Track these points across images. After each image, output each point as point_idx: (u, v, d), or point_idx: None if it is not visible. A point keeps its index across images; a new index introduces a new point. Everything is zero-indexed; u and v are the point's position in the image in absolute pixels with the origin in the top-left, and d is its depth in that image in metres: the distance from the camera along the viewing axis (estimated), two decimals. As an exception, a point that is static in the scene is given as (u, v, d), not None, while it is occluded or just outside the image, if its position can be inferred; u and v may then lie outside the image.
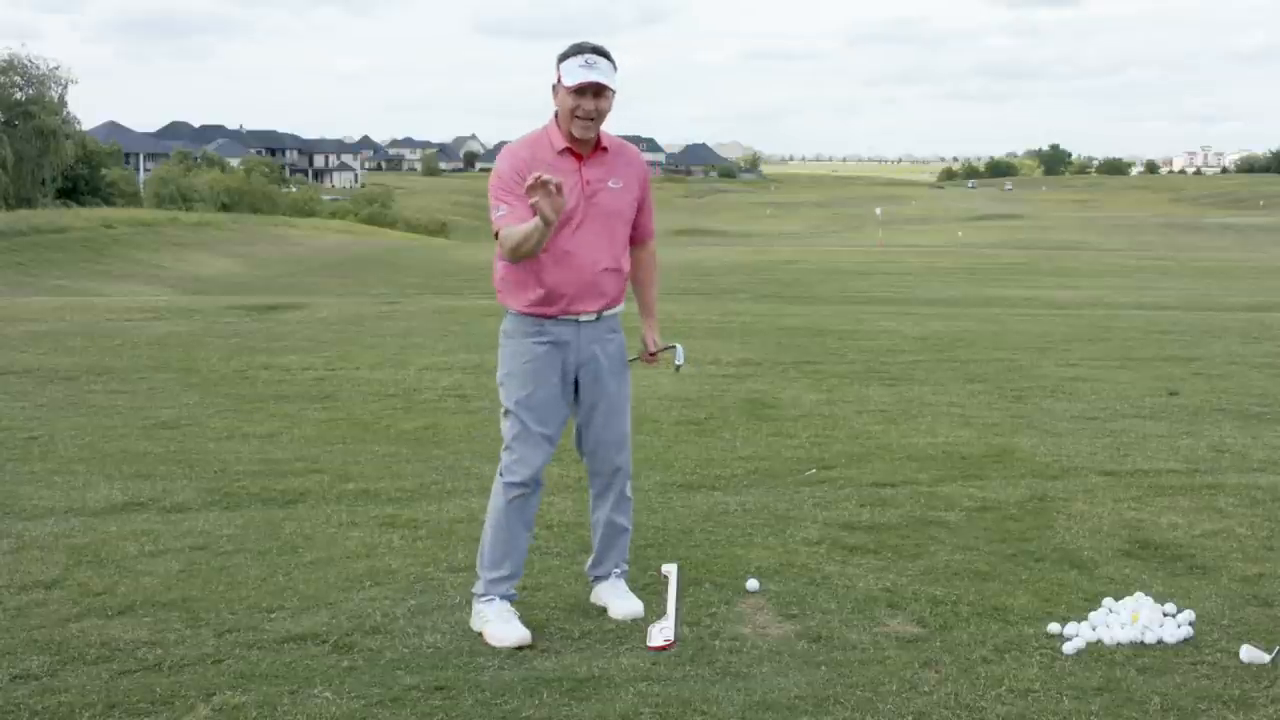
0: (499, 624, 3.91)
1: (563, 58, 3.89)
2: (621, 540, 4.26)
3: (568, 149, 3.93)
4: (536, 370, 3.98)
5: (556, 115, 3.95)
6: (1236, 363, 10.62)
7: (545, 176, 3.59)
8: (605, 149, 4.00)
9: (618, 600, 4.18)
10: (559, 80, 3.88)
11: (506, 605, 3.99)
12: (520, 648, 3.80)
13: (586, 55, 3.85)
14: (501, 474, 4.04)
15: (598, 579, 4.28)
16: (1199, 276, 31.99)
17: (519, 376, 3.99)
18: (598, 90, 3.84)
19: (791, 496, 5.71)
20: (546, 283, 3.92)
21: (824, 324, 14.10)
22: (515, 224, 3.80)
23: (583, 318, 3.99)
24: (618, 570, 4.27)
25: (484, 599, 4.00)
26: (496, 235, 3.89)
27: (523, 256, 3.84)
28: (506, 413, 4.02)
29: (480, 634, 3.91)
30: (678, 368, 4.38)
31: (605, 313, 4.04)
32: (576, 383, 4.06)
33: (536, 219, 3.67)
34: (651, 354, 4.32)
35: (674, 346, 4.35)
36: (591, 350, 4.04)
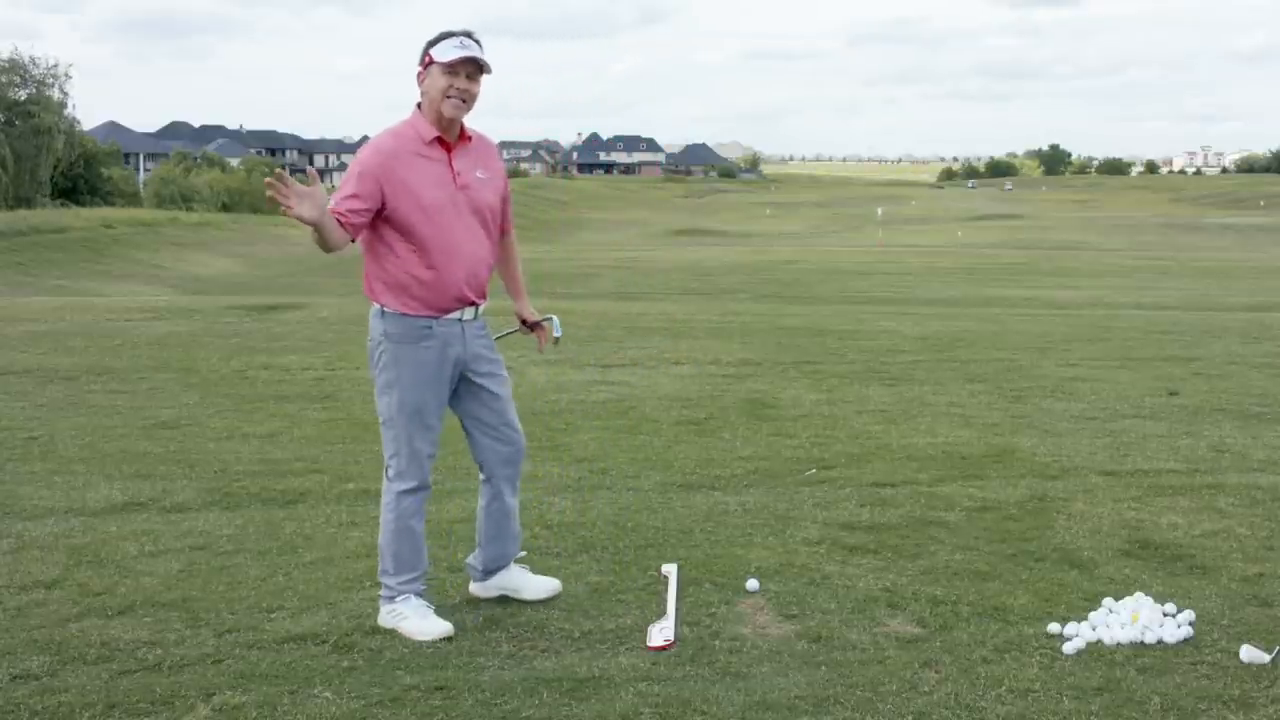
0: (418, 619, 3.94)
1: (433, 42, 3.86)
2: (516, 522, 4.30)
3: (437, 139, 3.90)
4: (428, 377, 3.93)
5: (420, 105, 3.92)
6: (1236, 363, 10.62)
7: (271, 177, 3.50)
8: (469, 138, 3.99)
9: (532, 581, 4.25)
10: (429, 62, 3.84)
11: (423, 601, 4.01)
12: (447, 639, 3.86)
13: (461, 38, 3.84)
14: (393, 481, 3.99)
15: (499, 569, 4.26)
16: (1199, 276, 32.00)
17: (409, 385, 3.92)
18: (471, 71, 3.84)
19: (791, 496, 5.71)
20: (429, 279, 3.87)
21: (824, 324, 14.10)
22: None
23: (465, 315, 3.98)
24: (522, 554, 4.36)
25: (399, 598, 3.99)
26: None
27: (330, 251, 3.78)
28: (391, 420, 3.96)
29: (395, 630, 3.93)
30: (556, 340, 4.38)
31: (481, 307, 4.05)
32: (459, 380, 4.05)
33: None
34: (530, 324, 4.34)
35: (551, 318, 4.37)
36: (475, 348, 4.03)
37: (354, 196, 3.77)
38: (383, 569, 4.05)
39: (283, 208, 3.52)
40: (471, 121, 4.00)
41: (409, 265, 3.87)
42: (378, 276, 3.94)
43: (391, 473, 4.01)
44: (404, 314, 3.90)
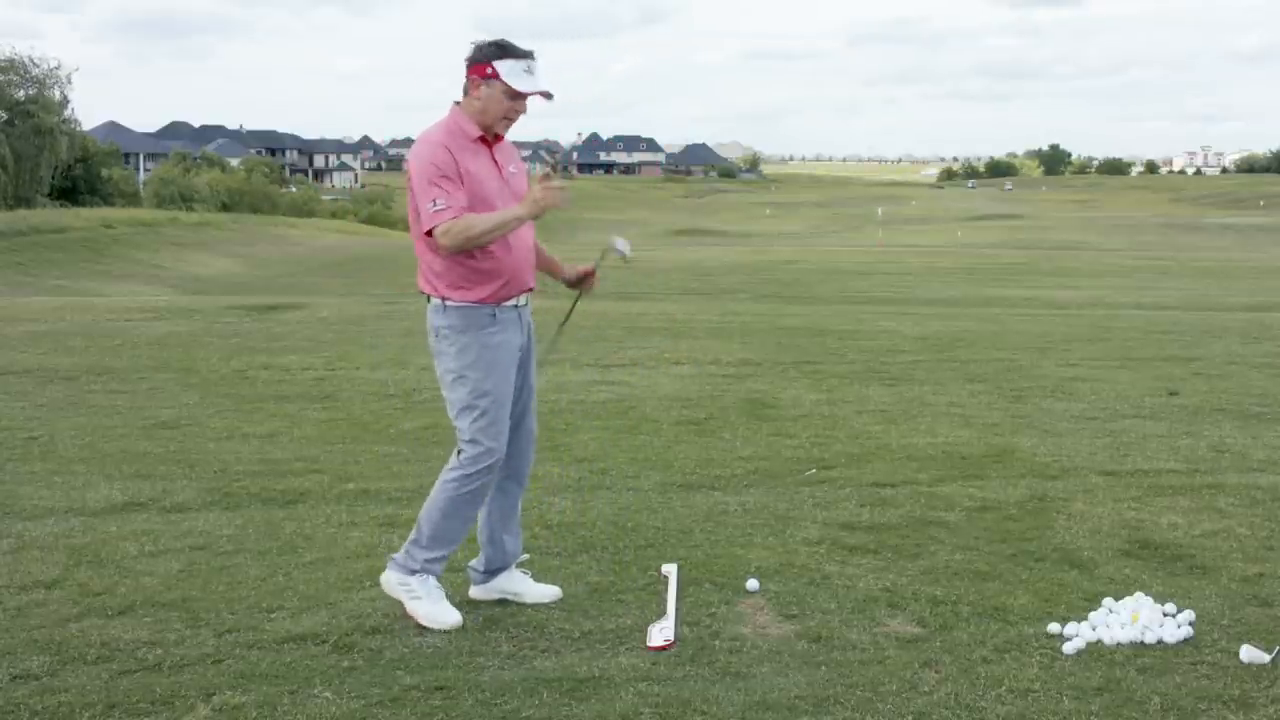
0: (431, 603, 3.97)
1: (497, 53, 3.90)
2: (518, 521, 4.33)
3: (481, 137, 3.98)
4: (496, 361, 4.00)
5: (459, 103, 3.98)
6: (1236, 363, 10.62)
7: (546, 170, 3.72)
8: (500, 137, 4.07)
9: (534, 587, 4.27)
10: (494, 76, 3.88)
11: (440, 586, 4.04)
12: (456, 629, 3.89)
13: (528, 61, 3.92)
14: (467, 465, 4.00)
15: (500, 570, 4.27)
16: (1199, 276, 32.00)
17: (483, 369, 3.97)
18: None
19: (791, 496, 5.71)
20: (492, 270, 3.95)
21: (824, 324, 14.10)
22: (460, 215, 3.82)
23: (521, 302, 4.08)
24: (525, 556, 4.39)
25: (419, 574, 4.01)
26: (430, 231, 3.85)
27: (473, 247, 3.86)
28: (468, 408, 3.99)
29: (402, 604, 3.95)
30: (626, 258, 4.32)
31: (532, 294, 4.15)
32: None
33: (518, 210, 3.84)
34: (582, 278, 4.35)
35: (615, 243, 4.32)
36: (526, 335, 4.13)
37: (456, 194, 3.84)
38: (415, 538, 4.06)
39: (549, 192, 3.83)
40: None
41: (470, 256, 3.93)
42: (437, 270, 3.97)
43: (466, 456, 4.02)
44: (467, 305, 3.96)
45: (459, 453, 4.05)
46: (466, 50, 3.96)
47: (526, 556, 4.44)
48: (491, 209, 3.90)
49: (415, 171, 3.89)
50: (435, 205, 3.83)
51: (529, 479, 4.35)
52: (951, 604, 4.20)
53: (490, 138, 4.01)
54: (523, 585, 4.28)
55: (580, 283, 4.37)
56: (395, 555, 4.11)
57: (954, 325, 14.16)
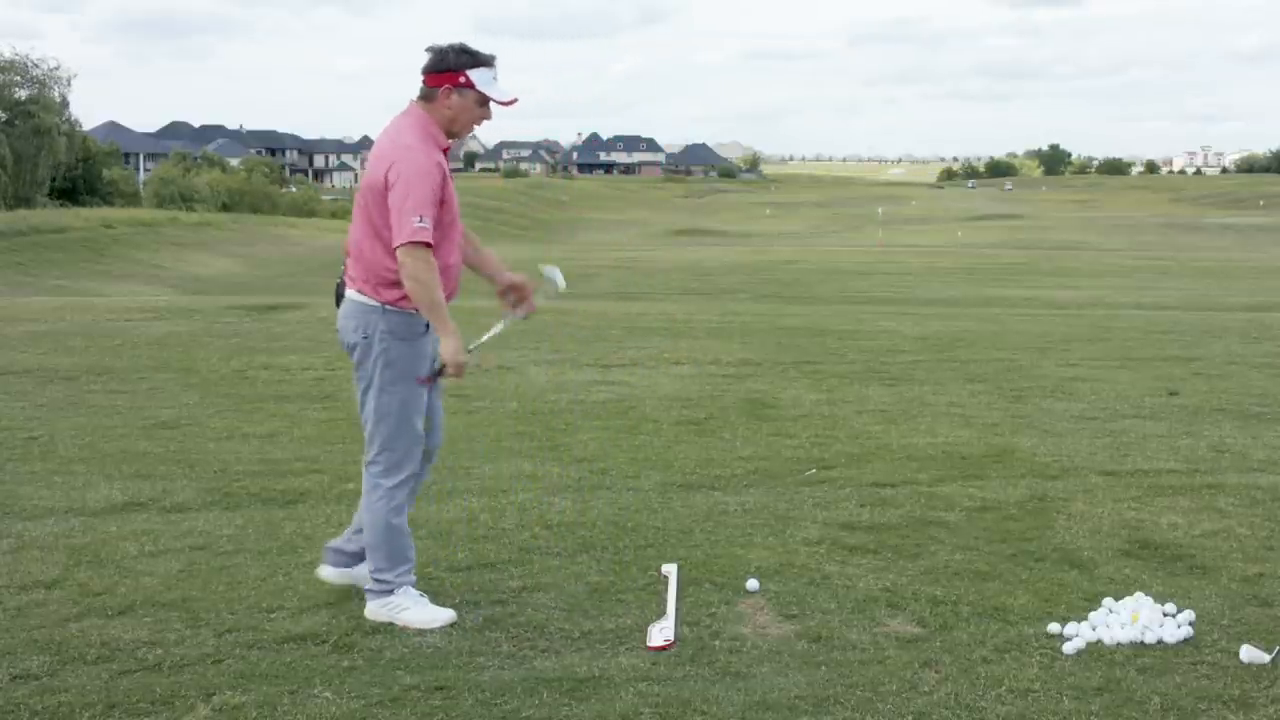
0: (419, 609, 3.97)
1: (470, 63, 3.88)
2: None
3: (444, 146, 3.98)
4: (423, 370, 4.01)
5: (421, 102, 3.93)
6: (1236, 363, 10.62)
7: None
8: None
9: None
10: (467, 84, 3.86)
11: (417, 592, 4.05)
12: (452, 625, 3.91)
13: (495, 67, 3.91)
14: (384, 477, 4.01)
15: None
16: (1199, 276, 32.01)
17: (409, 378, 3.98)
18: None
19: (791, 496, 5.71)
20: (443, 281, 3.93)
21: (824, 324, 14.10)
22: (432, 257, 3.82)
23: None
24: None
25: (397, 591, 4.00)
26: (414, 243, 3.78)
27: (411, 289, 3.83)
28: (389, 415, 3.99)
29: (394, 623, 3.94)
30: (559, 290, 4.28)
31: None
32: None
33: (447, 335, 3.87)
34: (520, 285, 4.19)
35: (549, 270, 4.26)
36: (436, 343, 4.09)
37: (430, 218, 3.82)
38: (376, 567, 4.05)
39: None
40: (485, 122, 4.05)
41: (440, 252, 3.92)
42: (379, 275, 3.92)
43: (380, 469, 4.02)
44: (406, 311, 3.93)
45: (369, 467, 4.06)
46: (425, 57, 3.91)
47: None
48: (454, 219, 3.95)
49: (405, 177, 3.79)
50: (421, 222, 3.78)
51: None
52: (951, 604, 4.20)
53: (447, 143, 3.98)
54: (360, 575, 4.26)
55: (509, 292, 4.24)
56: (367, 587, 4.08)
57: (954, 325, 14.16)
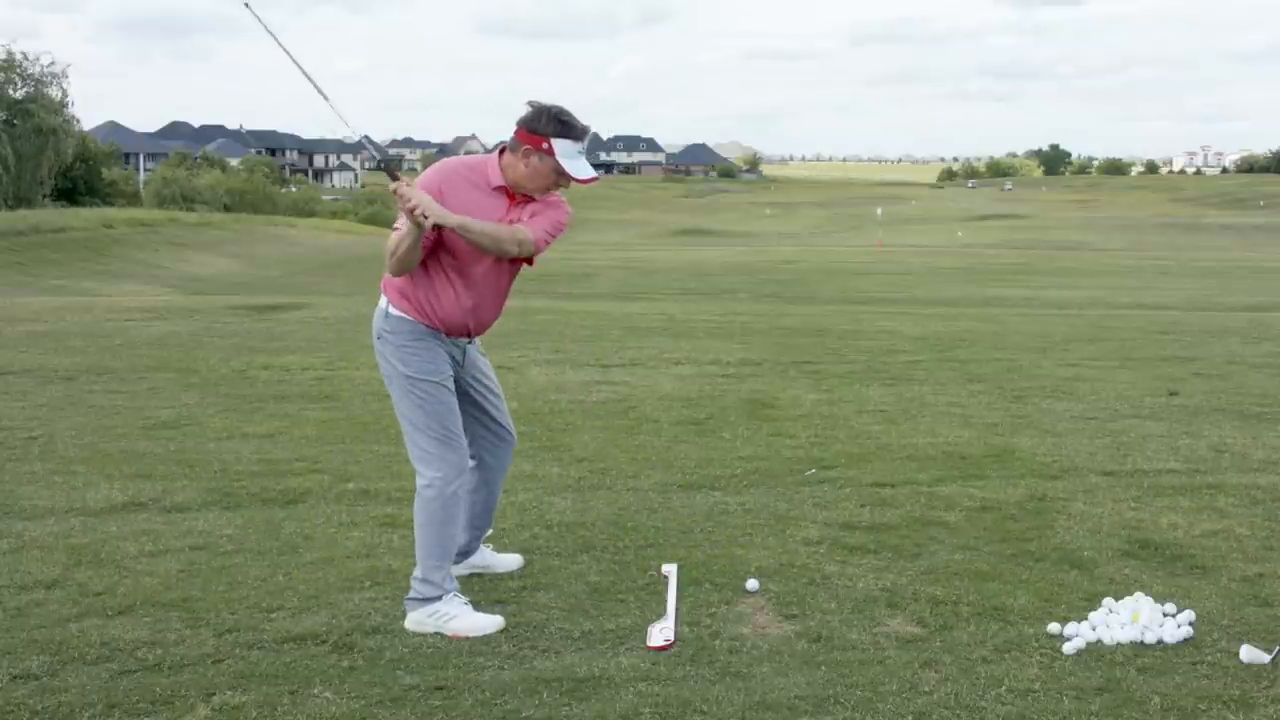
0: (468, 618, 3.94)
1: (558, 132, 3.84)
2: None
3: (502, 188, 3.94)
4: (441, 362, 4.02)
5: (502, 152, 3.94)
6: (1236, 363, 10.62)
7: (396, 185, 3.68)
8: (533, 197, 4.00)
9: (500, 558, 4.55)
10: (549, 152, 3.84)
11: (462, 598, 4.03)
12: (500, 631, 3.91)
13: (583, 143, 3.90)
14: (433, 484, 4.00)
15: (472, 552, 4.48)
16: (1199, 276, 32.02)
17: (417, 380, 3.98)
18: None
19: (791, 496, 5.71)
20: (451, 308, 3.96)
21: (824, 324, 14.10)
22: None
23: (459, 341, 4.09)
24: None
25: (443, 598, 3.98)
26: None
27: (403, 268, 3.85)
28: (403, 417, 4.03)
29: (440, 633, 3.90)
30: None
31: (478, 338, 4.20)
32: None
33: (401, 228, 3.76)
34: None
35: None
36: (472, 355, 4.18)
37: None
38: (424, 575, 4.01)
39: (407, 209, 3.65)
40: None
41: (439, 288, 3.94)
42: (389, 279, 3.99)
43: (428, 477, 4.01)
44: (407, 317, 3.97)
45: (418, 478, 4.09)
46: (524, 109, 3.89)
47: (491, 531, 4.61)
48: (468, 252, 3.89)
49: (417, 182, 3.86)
50: (394, 224, 3.84)
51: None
52: (951, 604, 4.20)
53: (516, 194, 3.96)
54: (491, 558, 4.53)
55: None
56: (409, 596, 4.04)
57: (954, 325, 14.16)
